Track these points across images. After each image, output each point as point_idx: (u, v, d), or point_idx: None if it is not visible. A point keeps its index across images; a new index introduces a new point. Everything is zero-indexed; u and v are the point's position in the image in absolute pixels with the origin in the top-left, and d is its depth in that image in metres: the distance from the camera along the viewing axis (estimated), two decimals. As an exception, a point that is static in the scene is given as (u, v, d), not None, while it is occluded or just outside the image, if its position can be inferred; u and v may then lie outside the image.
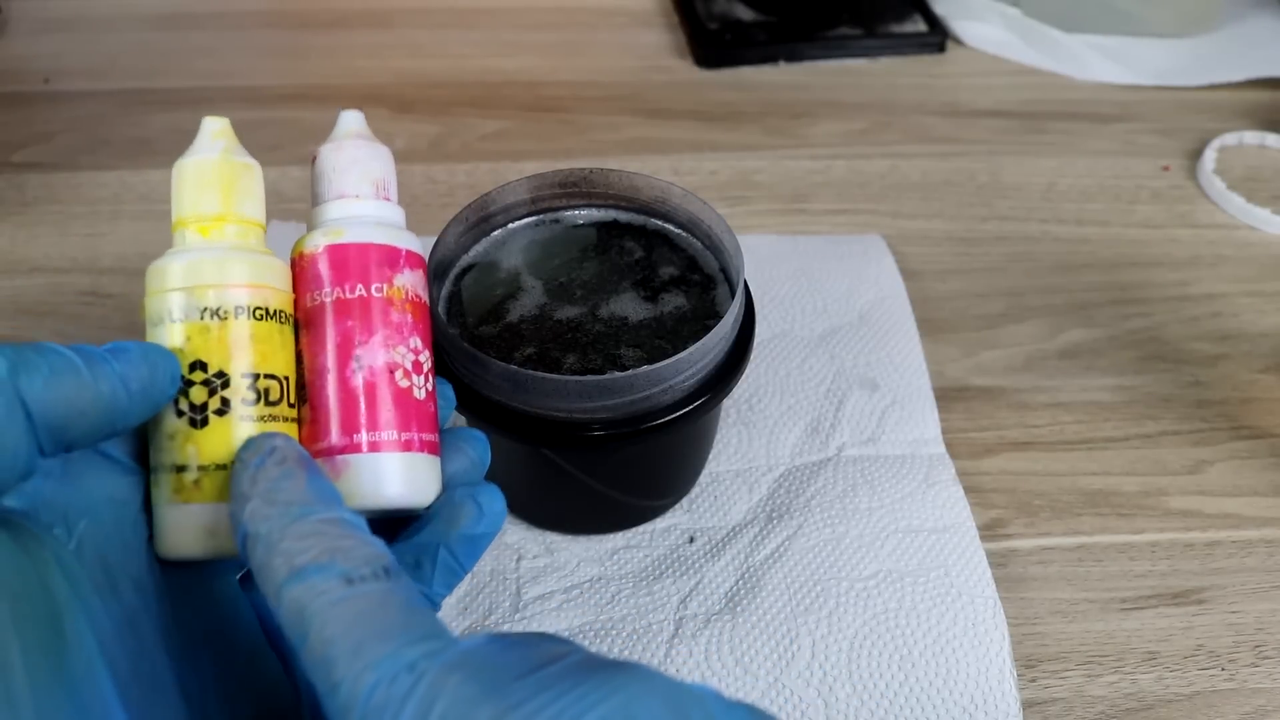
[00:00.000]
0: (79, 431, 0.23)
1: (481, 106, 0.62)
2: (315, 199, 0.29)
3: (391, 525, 0.30)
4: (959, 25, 0.69)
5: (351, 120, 0.30)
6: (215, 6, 0.70)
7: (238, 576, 0.28)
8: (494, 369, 0.32)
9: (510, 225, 0.39)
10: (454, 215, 0.37)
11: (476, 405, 0.34)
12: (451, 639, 0.21)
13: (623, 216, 0.39)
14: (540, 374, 0.32)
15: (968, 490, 0.42)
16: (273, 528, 0.23)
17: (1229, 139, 0.60)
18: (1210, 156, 0.58)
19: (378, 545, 0.23)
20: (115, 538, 0.25)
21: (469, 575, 0.38)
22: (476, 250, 0.38)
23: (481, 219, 0.38)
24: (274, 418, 0.26)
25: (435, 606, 0.28)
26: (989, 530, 0.41)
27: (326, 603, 0.21)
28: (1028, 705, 0.36)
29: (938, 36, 0.68)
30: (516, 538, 0.40)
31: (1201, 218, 0.56)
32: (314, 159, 0.29)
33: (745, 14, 0.69)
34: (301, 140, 0.59)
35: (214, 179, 0.27)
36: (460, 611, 0.37)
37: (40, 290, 0.50)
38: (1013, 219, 0.56)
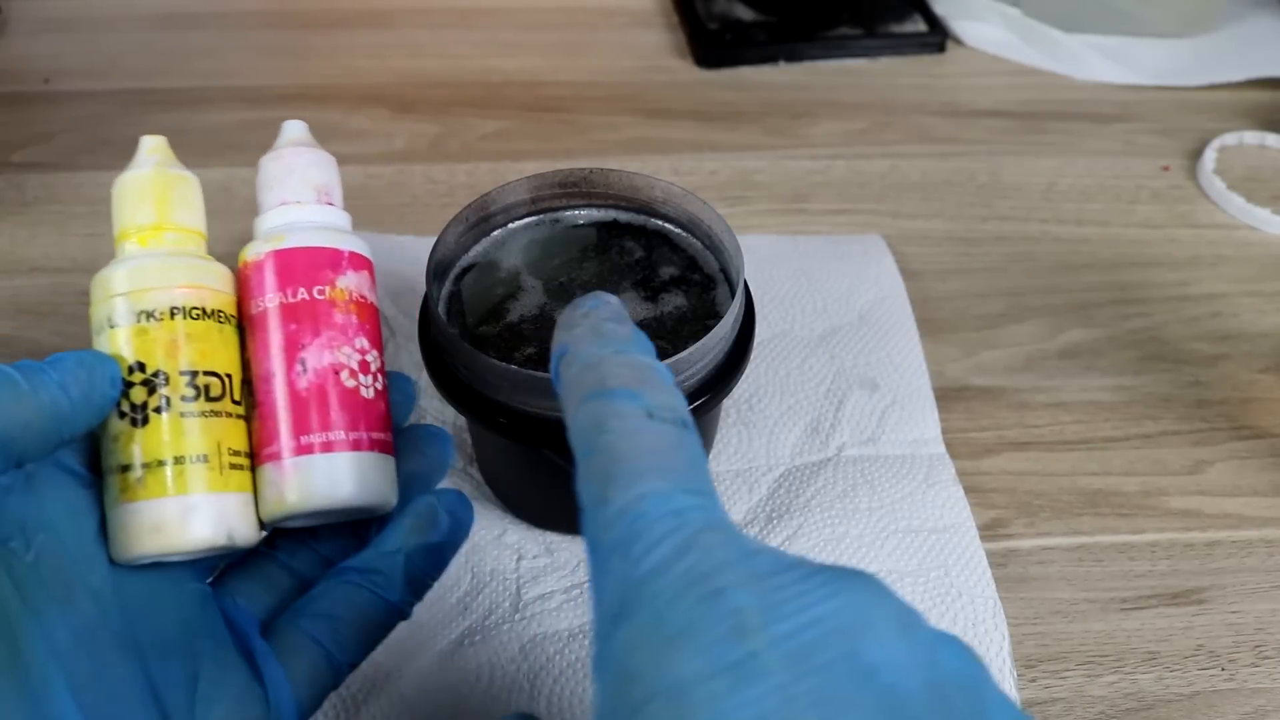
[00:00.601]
0: (27, 444, 0.23)
1: (481, 106, 0.62)
2: (259, 208, 0.30)
3: (356, 531, 0.30)
4: (959, 25, 0.69)
5: (293, 129, 0.31)
6: (215, 6, 0.70)
7: (209, 580, 0.28)
8: (495, 369, 0.32)
9: (510, 225, 0.39)
10: (454, 215, 0.37)
11: (476, 405, 0.34)
12: (719, 502, 0.22)
13: (623, 216, 0.39)
14: (540, 374, 0.32)
15: (968, 490, 0.42)
16: (594, 351, 0.24)
17: (1229, 139, 0.60)
18: (1210, 156, 0.58)
19: (681, 399, 0.23)
20: (75, 549, 0.25)
21: (470, 576, 0.38)
22: (476, 250, 0.38)
23: (481, 219, 0.38)
24: (215, 413, 0.27)
25: (401, 613, 0.29)
26: (989, 530, 0.41)
27: (623, 425, 0.22)
28: (1028, 705, 0.36)
29: (938, 36, 0.68)
30: (516, 538, 0.40)
31: (1201, 218, 0.56)
32: (258, 170, 0.30)
33: (745, 14, 0.69)
34: (301, 140, 0.59)
35: (149, 191, 0.28)
36: (460, 611, 0.37)
37: (40, 290, 0.50)
38: (1013, 219, 0.56)
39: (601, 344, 0.24)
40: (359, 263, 0.29)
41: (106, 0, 0.70)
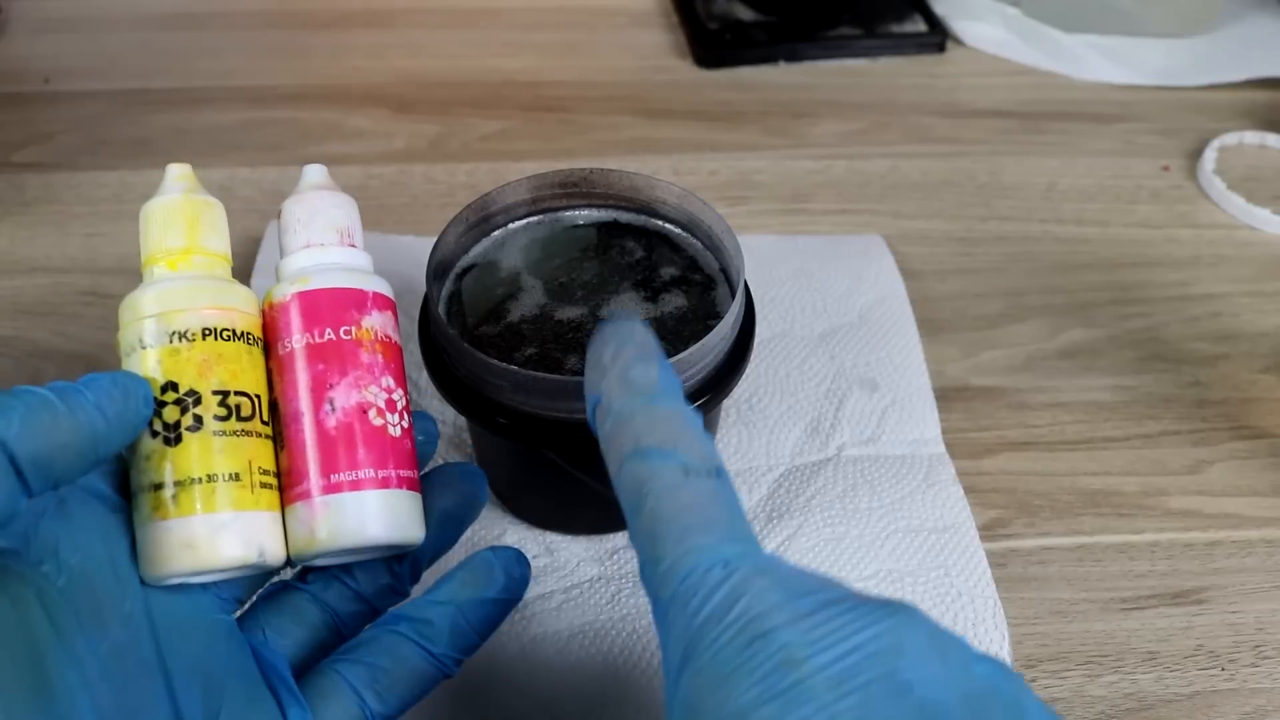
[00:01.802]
0: (64, 465, 0.23)
1: (481, 106, 0.62)
2: (283, 251, 0.31)
3: (389, 567, 0.30)
4: (959, 25, 0.69)
5: (314, 174, 0.31)
6: (215, 6, 0.70)
7: (235, 615, 0.28)
8: (495, 369, 0.32)
9: (510, 225, 0.39)
10: (454, 215, 0.37)
11: (476, 405, 0.34)
12: (760, 547, 0.24)
13: (623, 217, 0.39)
14: (540, 374, 0.32)
15: (968, 490, 0.42)
16: (625, 405, 0.25)
17: (1229, 139, 0.60)
18: (1210, 156, 0.58)
19: (711, 445, 0.25)
20: (107, 573, 0.25)
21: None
22: (477, 250, 0.38)
23: (482, 219, 0.38)
24: (246, 432, 0.27)
25: (444, 669, 0.28)
26: (989, 530, 0.41)
27: (663, 486, 0.24)
28: (1028, 705, 0.36)
29: (938, 36, 0.68)
30: (516, 538, 0.40)
31: (1201, 218, 0.56)
32: (280, 214, 0.31)
33: (745, 14, 0.69)
34: (301, 140, 0.59)
35: (178, 217, 0.28)
36: (460, 611, 0.37)
37: (40, 290, 0.50)
38: (1013, 219, 0.56)
39: (632, 395, 0.25)
40: (383, 303, 0.30)
41: (106, 0, 0.70)
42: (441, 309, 0.36)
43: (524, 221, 0.39)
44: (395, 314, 0.31)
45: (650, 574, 0.24)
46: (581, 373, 0.34)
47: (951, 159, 0.59)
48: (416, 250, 0.37)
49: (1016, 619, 0.38)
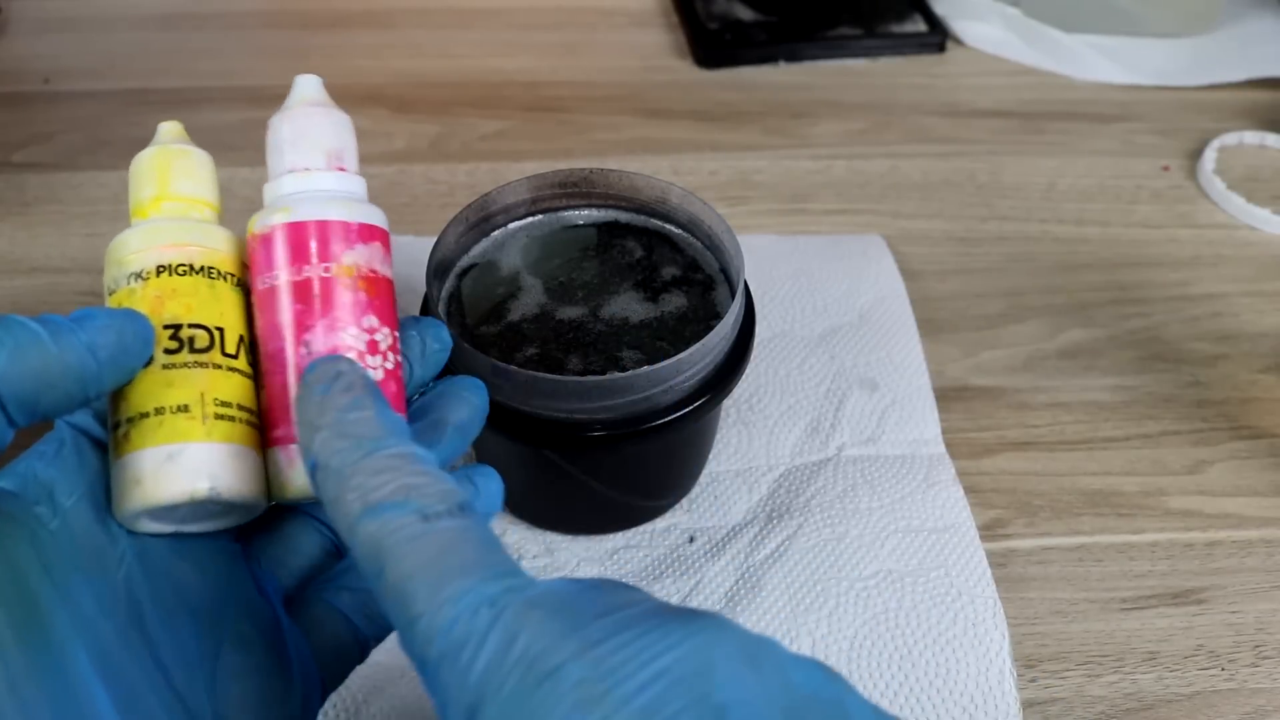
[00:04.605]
0: (51, 402, 0.23)
1: (481, 106, 0.62)
2: (268, 173, 0.29)
3: None
4: (959, 25, 0.69)
5: (306, 86, 0.30)
6: (215, 6, 0.70)
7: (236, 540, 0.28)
8: (495, 369, 0.32)
9: (510, 225, 0.39)
10: (454, 215, 0.37)
11: (477, 405, 0.34)
12: (529, 578, 0.21)
13: (623, 217, 0.39)
14: (540, 375, 0.32)
15: (968, 490, 0.42)
16: (344, 461, 0.22)
17: (1229, 139, 0.60)
18: (1210, 156, 0.58)
19: (450, 481, 0.22)
20: (101, 516, 0.25)
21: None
22: (477, 250, 0.38)
23: (482, 219, 0.38)
24: (201, 364, 0.26)
25: None
26: (989, 530, 0.41)
27: (403, 539, 0.21)
28: (1028, 705, 0.36)
29: (938, 36, 0.68)
30: (516, 538, 0.40)
31: (1201, 218, 0.56)
32: (266, 131, 0.29)
33: (745, 14, 0.69)
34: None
35: (151, 167, 0.28)
36: (460, 611, 0.37)
37: (40, 290, 0.50)
38: (1013, 219, 0.56)
39: (350, 447, 0.23)
40: (369, 234, 0.28)
41: (106, 0, 0.70)
42: (441, 309, 0.36)
43: (524, 221, 0.39)
44: (386, 243, 0.29)
45: (410, 637, 0.21)
46: (583, 372, 0.34)
47: (951, 159, 0.59)
48: (416, 250, 0.37)
49: (1016, 619, 0.38)
